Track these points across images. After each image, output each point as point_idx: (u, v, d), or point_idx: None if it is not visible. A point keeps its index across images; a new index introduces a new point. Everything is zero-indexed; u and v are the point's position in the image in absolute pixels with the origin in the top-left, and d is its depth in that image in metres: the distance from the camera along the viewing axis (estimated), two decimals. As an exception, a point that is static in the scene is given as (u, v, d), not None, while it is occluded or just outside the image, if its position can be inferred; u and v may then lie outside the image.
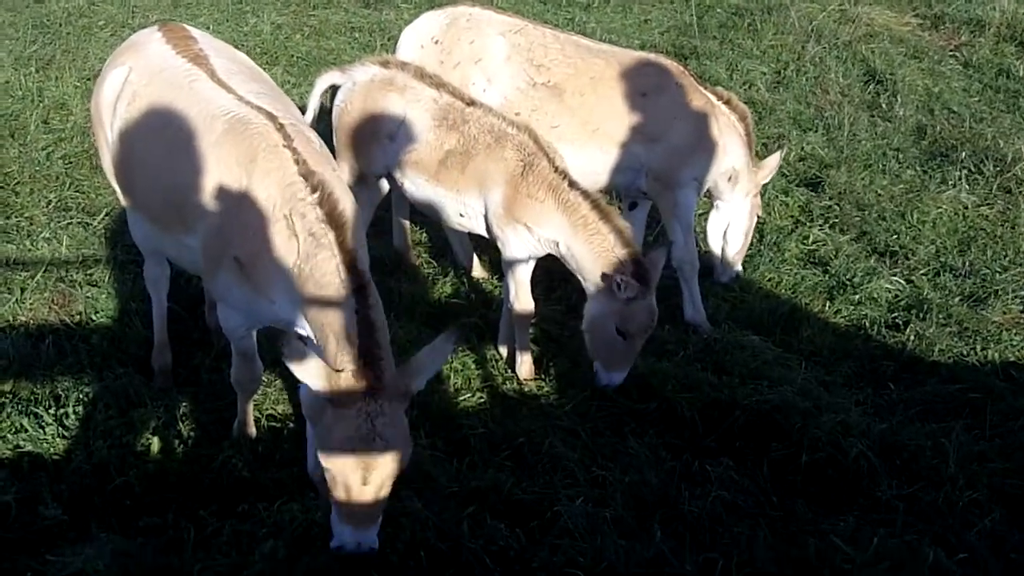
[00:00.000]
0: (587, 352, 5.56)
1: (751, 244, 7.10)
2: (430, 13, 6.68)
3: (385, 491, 3.83)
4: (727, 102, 6.43)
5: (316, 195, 4.03)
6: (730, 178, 6.48)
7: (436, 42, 6.40)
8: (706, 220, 6.95)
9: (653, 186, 6.30)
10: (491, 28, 6.36)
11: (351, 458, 3.70)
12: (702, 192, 6.45)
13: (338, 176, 4.38)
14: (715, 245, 6.86)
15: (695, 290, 6.44)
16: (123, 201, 5.19)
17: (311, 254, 3.98)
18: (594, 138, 6.18)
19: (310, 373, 3.75)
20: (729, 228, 6.75)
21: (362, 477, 3.73)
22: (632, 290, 5.20)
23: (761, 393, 5.50)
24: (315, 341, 4.02)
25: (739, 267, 6.96)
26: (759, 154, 6.82)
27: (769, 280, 6.96)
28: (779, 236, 7.44)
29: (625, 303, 5.25)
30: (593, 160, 6.20)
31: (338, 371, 3.79)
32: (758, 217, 6.95)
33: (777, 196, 7.95)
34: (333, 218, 4.00)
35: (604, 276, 5.26)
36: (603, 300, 5.36)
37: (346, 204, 4.14)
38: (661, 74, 6.25)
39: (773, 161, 6.69)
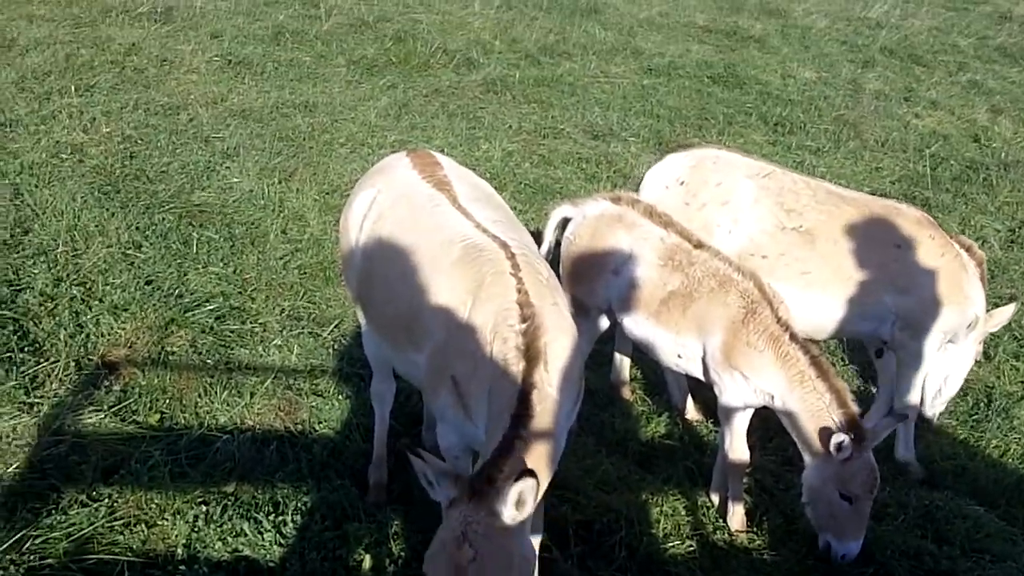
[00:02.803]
0: (814, 527, 5.35)
1: (979, 409, 6.91)
2: (675, 155, 6.73)
3: None
4: (967, 249, 6.29)
5: (524, 324, 4.05)
6: (970, 325, 6.30)
7: (681, 183, 6.45)
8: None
9: (899, 336, 6.19)
10: (738, 171, 6.39)
11: (442, 561, 3.62)
12: (944, 343, 6.28)
13: (558, 309, 4.34)
14: (933, 383, 6.60)
15: (911, 431, 6.41)
16: (360, 315, 5.36)
17: (499, 378, 4.00)
18: (846, 286, 6.12)
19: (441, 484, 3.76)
20: (952, 371, 6.51)
21: None
22: (847, 450, 5.04)
23: (983, 567, 5.32)
24: None
25: (942, 408, 6.75)
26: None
27: (996, 447, 6.69)
28: (1008, 402, 7.16)
29: (841, 464, 5.08)
30: (842, 307, 6.15)
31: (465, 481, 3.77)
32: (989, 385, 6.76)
33: (1007, 360, 7.68)
34: (531, 349, 4.00)
35: (821, 432, 5.11)
36: (820, 465, 5.19)
37: (551, 338, 4.12)
38: (913, 225, 6.19)
39: (1007, 312, 6.46)
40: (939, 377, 6.52)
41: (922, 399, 6.60)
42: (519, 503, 3.63)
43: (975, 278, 6.24)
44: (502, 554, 3.65)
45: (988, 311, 6.39)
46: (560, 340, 4.20)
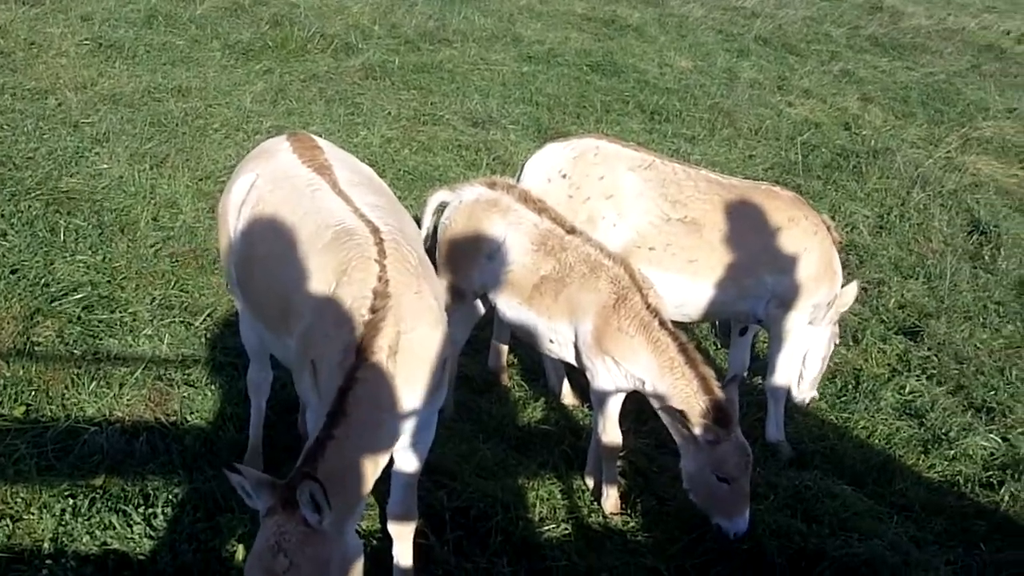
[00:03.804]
0: (701, 510, 5.39)
1: (847, 391, 7.11)
2: (555, 145, 6.68)
3: None
4: (828, 228, 6.49)
5: (372, 316, 4.01)
6: (830, 303, 6.47)
7: (564, 176, 6.42)
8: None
9: (773, 312, 6.39)
10: (621, 163, 6.39)
11: (258, 570, 3.59)
12: (812, 319, 6.45)
13: (420, 297, 4.28)
14: (795, 366, 6.74)
15: (781, 412, 6.57)
16: (237, 302, 5.28)
17: (335, 368, 3.97)
18: (730, 270, 6.24)
19: (259, 494, 3.71)
20: (809, 353, 6.66)
21: None
22: (710, 433, 5.14)
23: (851, 545, 5.40)
24: None
25: (815, 392, 6.91)
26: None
27: (863, 429, 6.86)
28: (875, 384, 7.35)
29: (711, 447, 5.17)
30: (727, 291, 6.29)
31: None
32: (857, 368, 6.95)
33: (875, 343, 7.89)
34: (364, 344, 3.96)
35: (680, 415, 5.19)
36: (692, 452, 5.27)
37: (407, 328, 4.10)
38: (789, 206, 6.38)
39: (852, 292, 6.54)
40: (799, 359, 6.65)
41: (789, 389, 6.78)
42: (315, 507, 3.57)
43: (837, 255, 6.47)
44: (317, 561, 3.62)
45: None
46: (419, 330, 4.18)
